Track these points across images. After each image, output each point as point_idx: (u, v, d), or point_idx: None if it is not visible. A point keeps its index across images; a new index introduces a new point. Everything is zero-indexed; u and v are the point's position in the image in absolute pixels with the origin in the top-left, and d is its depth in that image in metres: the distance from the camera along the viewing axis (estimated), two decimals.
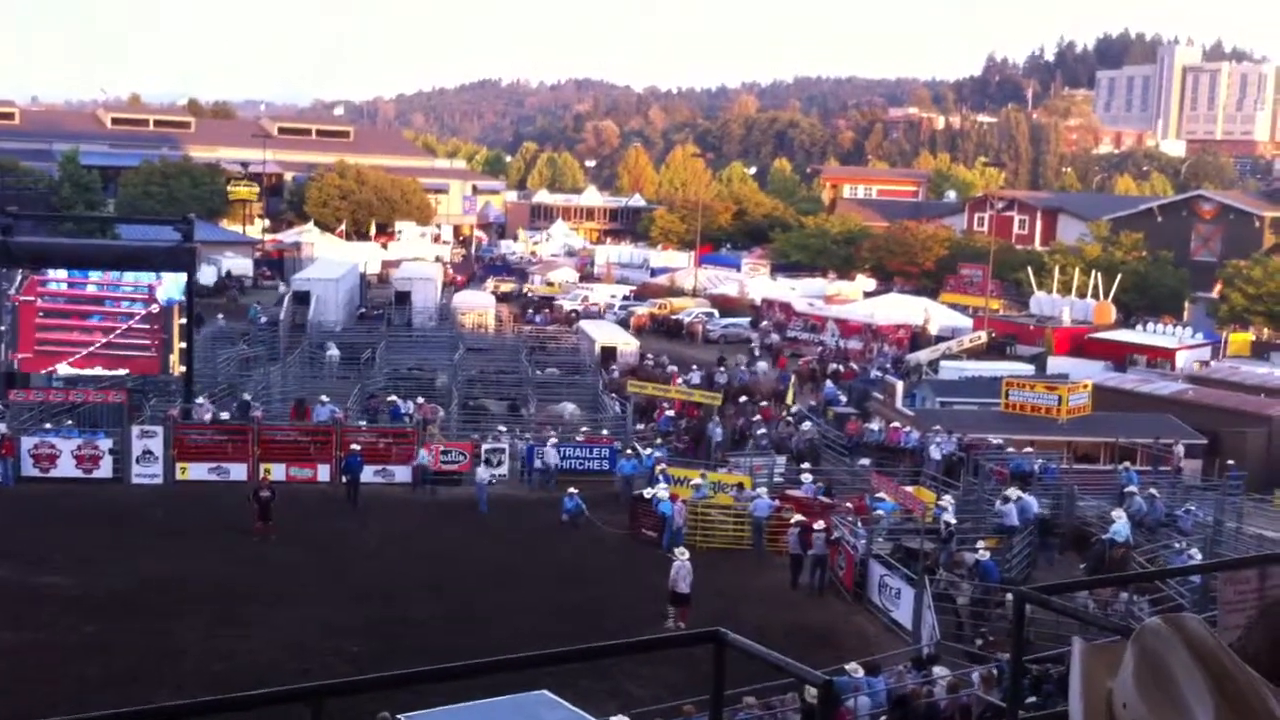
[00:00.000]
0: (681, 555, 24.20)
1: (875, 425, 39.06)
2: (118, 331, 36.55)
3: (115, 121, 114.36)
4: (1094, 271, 66.05)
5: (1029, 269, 70.33)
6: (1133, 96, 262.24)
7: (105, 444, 33.09)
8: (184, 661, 20.71)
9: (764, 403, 42.70)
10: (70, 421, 34.56)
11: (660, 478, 30.97)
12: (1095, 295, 64.06)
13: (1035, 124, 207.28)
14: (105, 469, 32.90)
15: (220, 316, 56.89)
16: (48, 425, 34.05)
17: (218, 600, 24.00)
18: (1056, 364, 51.76)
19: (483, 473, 32.28)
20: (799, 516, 26.81)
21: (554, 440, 34.85)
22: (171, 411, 35.36)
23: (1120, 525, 27.15)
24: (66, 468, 32.72)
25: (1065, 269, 68.44)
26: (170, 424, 33.87)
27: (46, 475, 32.48)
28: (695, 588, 25.03)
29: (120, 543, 27.54)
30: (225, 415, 35.84)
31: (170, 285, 36.79)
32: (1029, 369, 49.50)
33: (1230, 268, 68.75)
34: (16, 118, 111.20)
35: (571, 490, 30.62)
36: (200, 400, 35.87)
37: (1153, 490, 31.25)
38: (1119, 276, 65.43)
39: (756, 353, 54.93)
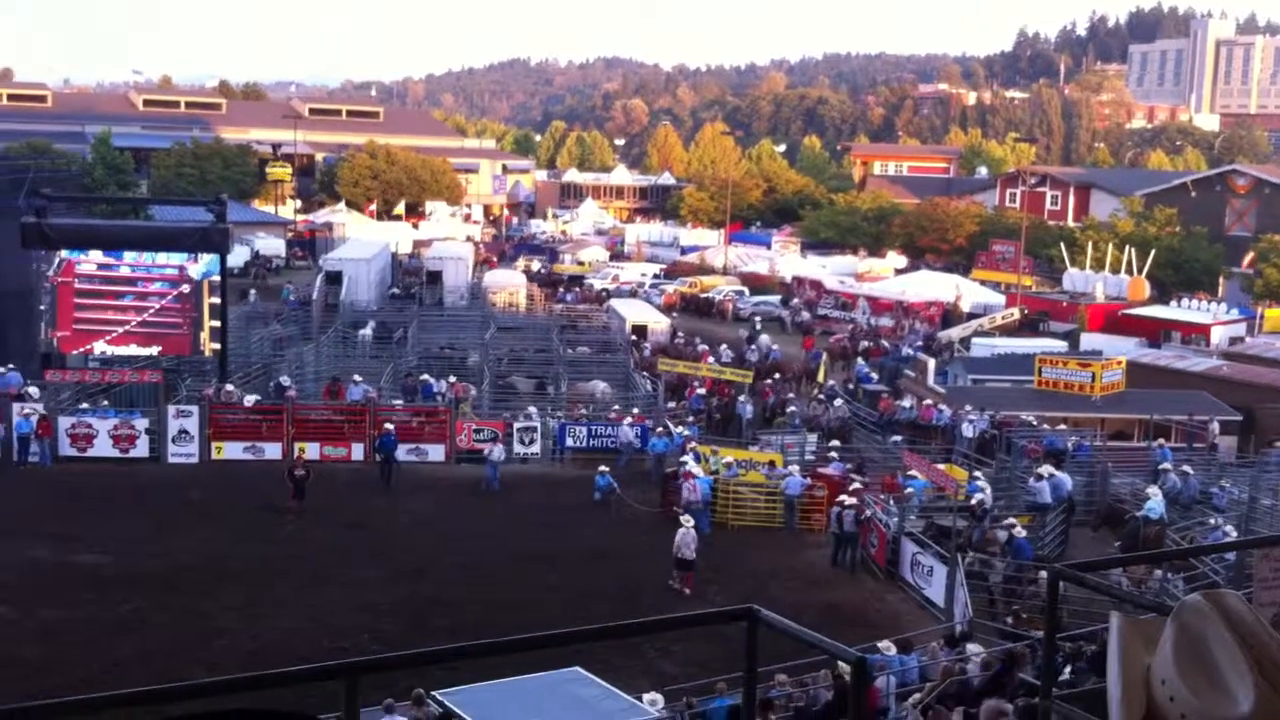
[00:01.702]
0: (687, 523, 24.95)
1: (907, 403, 38.95)
2: (150, 311, 36.87)
3: (147, 104, 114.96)
4: (1127, 247, 65.53)
5: (1062, 245, 69.85)
6: (1165, 71, 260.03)
7: (141, 424, 33.36)
8: (219, 639, 20.91)
9: (767, 381, 42.33)
10: (106, 401, 34.85)
11: (690, 454, 30.99)
12: (1129, 271, 63.58)
13: (1067, 99, 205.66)
14: (141, 448, 33.17)
15: (253, 293, 57.41)
16: (84, 405, 34.34)
17: (252, 579, 24.19)
18: (1090, 340, 51.48)
19: (496, 451, 32.40)
20: (845, 497, 26.68)
21: (629, 420, 34.88)
22: (207, 391, 35.59)
23: (1155, 503, 27.00)
24: (103, 447, 33.02)
25: (1098, 245, 67.93)
26: (205, 403, 34.10)
27: (84, 455, 32.79)
28: (728, 566, 25.19)
29: (156, 522, 27.78)
30: (253, 399, 35.84)
31: (204, 264, 37.06)
32: (1062, 346, 49.23)
33: (1265, 242, 68.08)
34: (49, 100, 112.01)
35: (603, 468, 30.69)
36: (230, 387, 36.00)
37: (1186, 467, 31.05)
38: (1153, 252, 64.89)
39: (758, 326, 55.20)
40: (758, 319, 57.52)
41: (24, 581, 23.61)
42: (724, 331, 55.42)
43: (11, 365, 36.18)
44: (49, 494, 29.77)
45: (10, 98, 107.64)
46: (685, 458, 30.65)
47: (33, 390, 34.31)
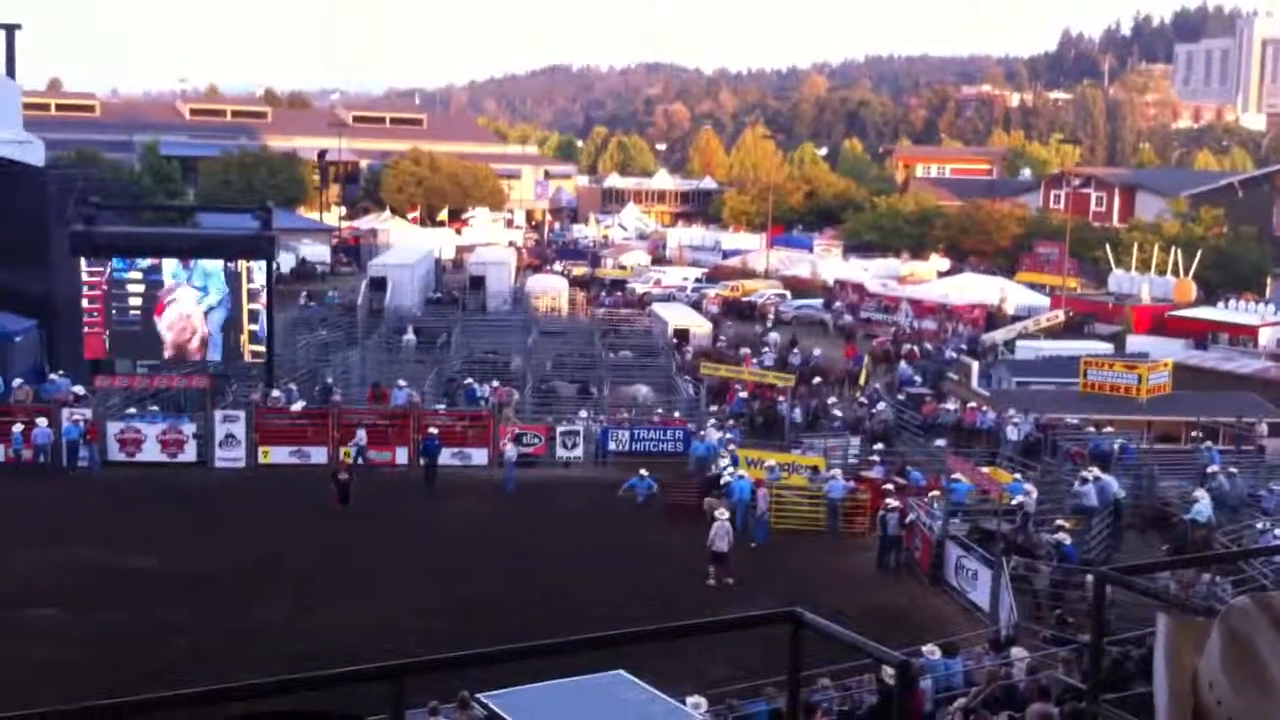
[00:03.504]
0: (722, 515, 25.33)
1: (951, 405, 38.75)
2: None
3: (194, 113, 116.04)
4: (1173, 248, 64.91)
5: (1107, 246, 69.25)
6: (1211, 70, 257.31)
7: (189, 428, 33.71)
8: (268, 641, 21.06)
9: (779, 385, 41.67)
10: (155, 407, 35.19)
11: (730, 458, 31.02)
12: (1175, 272, 62.99)
13: (1112, 100, 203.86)
14: (189, 453, 33.52)
15: (304, 294, 58.07)
16: (130, 410, 34.67)
17: (300, 581, 24.39)
18: (1136, 343, 51.05)
19: (510, 451, 32.51)
20: (890, 500, 26.58)
21: (717, 431, 34.85)
22: (254, 396, 35.88)
23: (1202, 505, 26.74)
24: (151, 452, 33.38)
25: (1144, 246, 67.32)
26: (252, 408, 34.39)
27: (132, 459, 33.16)
28: (772, 569, 25.19)
29: (204, 525, 28.05)
30: (300, 404, 36.06)
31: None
32: (1108, 348, 48.83)
33: None
34: (97, 110, 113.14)
35: (642, 472, 30.72)
36: (277, 393, 36.28)
37: (1232, 469, 30.72)
38: (1199, 253, 64.24)
39: (770, 324, 57.03)
40: (770, 318, 59.10)
41: (76, 584, 23.90)
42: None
43: (61, 371, 36.63)
44: (98, 498, 30.13)
45: (59, 107, 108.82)
46: (724, 461, 30.68)
47: (78, 389, 34.69)
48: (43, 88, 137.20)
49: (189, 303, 36.94)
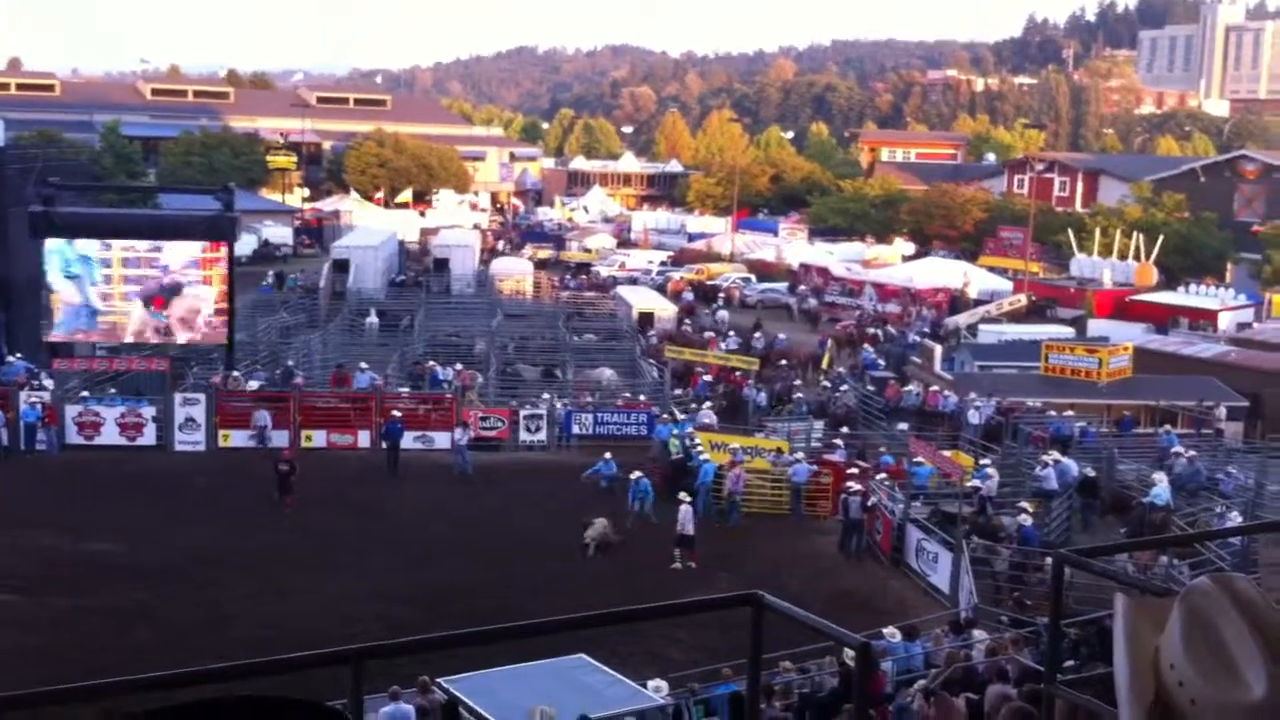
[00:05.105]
0: (686, 499, 25.62)
1: (914, 389, 38.92)
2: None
3: (155, 93, 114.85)
4: (1135, 233, 65.33)
5: (1069, 231, 69.66)
6: (1175, 56, 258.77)
7: (148, 411, 33.41)
8: (230, 627, 20.95)
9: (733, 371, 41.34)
10: (113, 390, 34.86)
11: (693, 441, 31.06)
12: (1137, 257, 63.42)
13: (1076, 85, 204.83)
14: (149, 436, 33.22)
15: (271, 274, 57.83)
16: (84, 393, 34.30)
17: (263, 567, 24.23)
18: (1097, 327, 51.37)
19: (459, 434, 32.41)
20: (852, 483, 26.70)
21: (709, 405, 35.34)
22: (214, 379, 35.62)
23: (1161, 489, 26.96)
24: (110, 435, 33.08)
25: (1106, 231, 67.74)
26: (213, 391, 34.13)
27: (91, 443, 32.86)
28: (735, 553, 25.24)
29: (165, 510, 27.82)
30: (256, 384, 35.86)
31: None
32: (1069, 332, 49.14)
33: (1272, 229, 67.78)
34: (57, 90, 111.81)
35: (606, 455, 30.67)
36: (236, 374, 36.05)
37: (1191, 452, 31.01)
38: (1161, 238, 64.69)
39: (720, 302, 58.30)
40: (721, 297, 59.88)
41: (35, 570, 23.69)
42: (731, 318, 55.44)
43: (19, 354, 36.24)
44: (57, 482, 29.85)
45: (19, 87, 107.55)
46: (697, 444, 30.68)
47: (47, 382, 34.31)
48: (2, 67, 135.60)
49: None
